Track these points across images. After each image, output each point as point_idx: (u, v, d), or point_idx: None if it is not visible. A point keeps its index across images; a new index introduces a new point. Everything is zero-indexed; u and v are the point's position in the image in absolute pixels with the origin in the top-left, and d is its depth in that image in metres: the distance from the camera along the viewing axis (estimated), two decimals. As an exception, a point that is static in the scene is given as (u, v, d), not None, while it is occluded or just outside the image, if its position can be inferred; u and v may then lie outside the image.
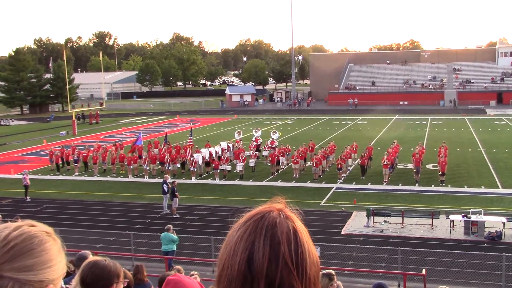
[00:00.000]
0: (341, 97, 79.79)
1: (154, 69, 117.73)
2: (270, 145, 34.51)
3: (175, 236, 16.63)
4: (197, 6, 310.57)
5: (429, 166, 30.99)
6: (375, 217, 20.80)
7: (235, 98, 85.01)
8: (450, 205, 23.14)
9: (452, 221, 19.45)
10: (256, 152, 33.51)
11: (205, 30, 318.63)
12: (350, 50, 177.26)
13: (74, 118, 56.19)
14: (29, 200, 26.27)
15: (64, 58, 66.71)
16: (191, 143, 34.35)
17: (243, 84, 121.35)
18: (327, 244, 16.56)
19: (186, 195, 25.37)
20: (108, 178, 31.37)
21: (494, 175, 29.13)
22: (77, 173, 32.59)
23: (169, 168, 30.52)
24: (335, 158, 31.04)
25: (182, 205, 23.64)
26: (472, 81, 79.07)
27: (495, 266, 15.32)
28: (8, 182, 31.02)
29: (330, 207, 23.67)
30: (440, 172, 27.35)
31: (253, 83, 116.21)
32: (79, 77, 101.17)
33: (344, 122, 57.30)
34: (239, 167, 29.91)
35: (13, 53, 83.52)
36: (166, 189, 23.24)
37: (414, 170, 28.22)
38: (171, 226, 16.95)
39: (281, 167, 31.51)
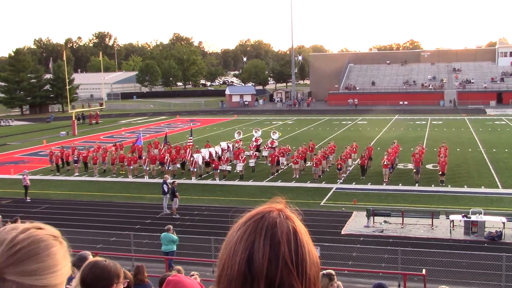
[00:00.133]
0: (341, 97, 79.80)
1: (154, 69, 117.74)
2: (270, 145, 34.52)
3: (175, 237, 16.64)
4: (197, 6, 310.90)
5: (429, 166, 30.99)
6: (375, 217, 20.80)
7: (235, 98, 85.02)
8: (450, 205, 23.15)
9: (452, 221, 19.45)
10: (256, 153, 33.51)
11: (205, 30, 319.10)
12: (350, 50, 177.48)
13: (74, 119, 56.20)
14: (29, 200, 26.27)
15: (64, 58, 66.68)
16: (191, 144, 34.35)
17: (243, 84, 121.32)
18: (327, 244, 16.57)
19: (186, 196, 25.37)
20: (108, 179, 31.37)
21: (494, 175, 29.14)
22: (77, 174, 32.59)
23: (169, 168, 30.52)
24: (335, 158, 31.05)
25: (182, 206, 23.64)
26: (472, 81, 79.09)
27: (495, 266, 15.33)
28: (8, 183, 31.02)
29: (330, 207, 23.68)
30: (440, 172, 27.35)
31: (253, 83, 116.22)
32: (79, 78, 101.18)
33: (344, 122, 57.30)
34: (239, 167, 29.91)
35: (13, 54, 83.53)
36: (166, 189, 23.25)
37: (414, 170, 28.22)
38: (171, 227, 16.95)
39: (281, 167, 31.52)
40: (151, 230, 20.32)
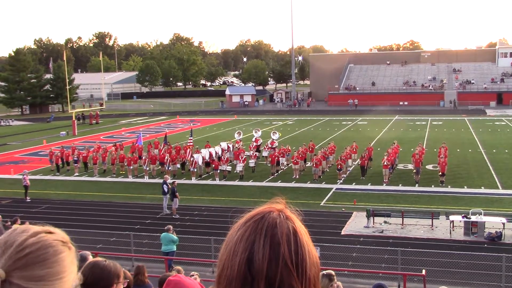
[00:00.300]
0: (341, 98, 79.80)
1: (154, 69, 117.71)
2: (270, 146, 34.52)
3: (175, 237, 16.63)
4: (197, 7, 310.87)
5: (429, 167, 30.98)
6: (375, 217, 20.80)
7: (235, 99, 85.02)
8: (450, 206, 23.15)
9: (452, 221, 19.45)
10: (256, 153, 33.51)
11: (205, 30, 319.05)
12: (350, 50, 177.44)
13: (74, 119, 56.21)
14: (29, 200, 26.26)
15: (64, 58, 66.71)
16: (191, 144, 34.37)
17: (243, 84, 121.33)
18: (327, 244, 16.57)
19: (186, 196, 25.36)
20: (108, 179, 31.37)
21: (494, 175, 29.14)
22: (77, 174, 32.59)
23: (169, 168, 30.52)
24: (335, 158, 31.05)
25: (182, 206, 23.64)
26: (472, 81, 79.09)
27: (495, 267, 15.34)
28: (8, 183, 31.02)
29: (330, 207, 23.68)
30: (440, 173, 27.35)
31: (253, 84, 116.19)
32: (79, 78, 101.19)
33: (344, 123, 57.31)
34: (239, 167, 29.91)
35: (13, 54, 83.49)
36: (166, 189, 23.25)
37: (414, 171, 28.22)
38: (171, 227, 16.95)
39: (281, 167, 31.52)
40: (151, 230, 20.32)
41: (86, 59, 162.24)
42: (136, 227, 21.14)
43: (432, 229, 20.00)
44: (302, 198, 24.86)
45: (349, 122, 57.75)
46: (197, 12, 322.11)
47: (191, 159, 30.20)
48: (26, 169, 31.36)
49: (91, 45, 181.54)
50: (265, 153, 33.99)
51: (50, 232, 1.34)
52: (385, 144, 37.29)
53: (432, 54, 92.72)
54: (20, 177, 27.97)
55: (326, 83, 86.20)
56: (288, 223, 1.29)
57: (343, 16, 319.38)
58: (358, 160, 31.09)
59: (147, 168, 30.64)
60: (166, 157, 30.90)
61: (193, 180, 29.77)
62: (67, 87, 63.58)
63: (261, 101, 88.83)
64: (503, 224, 18.83)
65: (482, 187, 26.52)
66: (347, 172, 30.14)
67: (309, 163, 31.18)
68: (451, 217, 19.64)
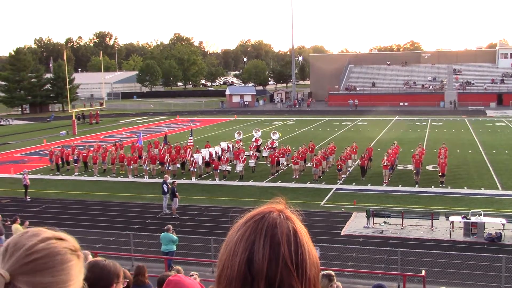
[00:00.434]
0: (341, 98, 79.80)
1: (155, 69, 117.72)
2: (270, 146, 34.52)
3: (174, 237, 16.63)
4: (197, 6, 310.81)
5: (429, 167, 30.98)
6: (375, 218, 20.80)
7: (235, 99, 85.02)
8: (450, 206, 23.15)
9: (452, 222, 19.45)
10: (256, 153, 33.50)
11: (205, 30, 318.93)
12: (350, 51, 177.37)
13: (74, 118, 56.22)
14: (29, 200, 26.26)
15: (65, 58, 66.63)
16: (191, 144, 34.36)
17: (243, 84, 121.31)
18: (327, 245, 16.57)
19: (186, 196, 25.36)
20: (108, 178, 31.37)
21: (494, 176, 29.14)
22: (77, 173, 32.60)
23: (169, 168, 30.52)
24: (335, 159, 31.05)
25: (182, 206, 23.64)
26: (472, 82, 79.09)
27: (495, 268, 15.34)
28: (8, 182, 31.02)
29: (330, 208, 23.67)
30: (440, 173, 27.35)
31: (253, 84, 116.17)
32: (80, 77, 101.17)
33: (344, 123, 57.30)
34: (239, 167, 29.91)
35: (13, 53, 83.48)
36: (166, 189, 23.25)
37: (414, 171, 28.22)
38: (170, 227, 16.94)
39: (281, 167, 31.52)
40: (150, 230, 20.32)
41: (87, 58, 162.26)
42: (136, 227, 21.14)
43: (432, 229, 20.00)
44: (302, 198, 24.86)
45: (349, 123, 57.75)
46: (197, 12, 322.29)
47: (191, 159, 30.20)
48: (26, 168, 31.36)
49: (92, 44, 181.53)
50: (265, 153, 33.99)
51: (61, 239, 1.31)
52: (385, 144, 37.28)
53: (432, 55, 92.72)
54: (20, 176, 27.98)
55: (326, 84, 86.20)
56: (288, 223, 1.28)
57: (343, 16, 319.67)
58: (358, 160, 31.09)
59: (147, 168, 30.63)
60: (166, 157, 30.91)
61: (193, 180, 29.77)
62: (67, 86, 63.59)
63: (261, 101, 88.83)
64: (503, 225, 18.83)
65: (482, 188, 26.52)
66: (347, 173, 30.13)
67: (309, 163, 31.18)
68: (451, 218, 19.64)
